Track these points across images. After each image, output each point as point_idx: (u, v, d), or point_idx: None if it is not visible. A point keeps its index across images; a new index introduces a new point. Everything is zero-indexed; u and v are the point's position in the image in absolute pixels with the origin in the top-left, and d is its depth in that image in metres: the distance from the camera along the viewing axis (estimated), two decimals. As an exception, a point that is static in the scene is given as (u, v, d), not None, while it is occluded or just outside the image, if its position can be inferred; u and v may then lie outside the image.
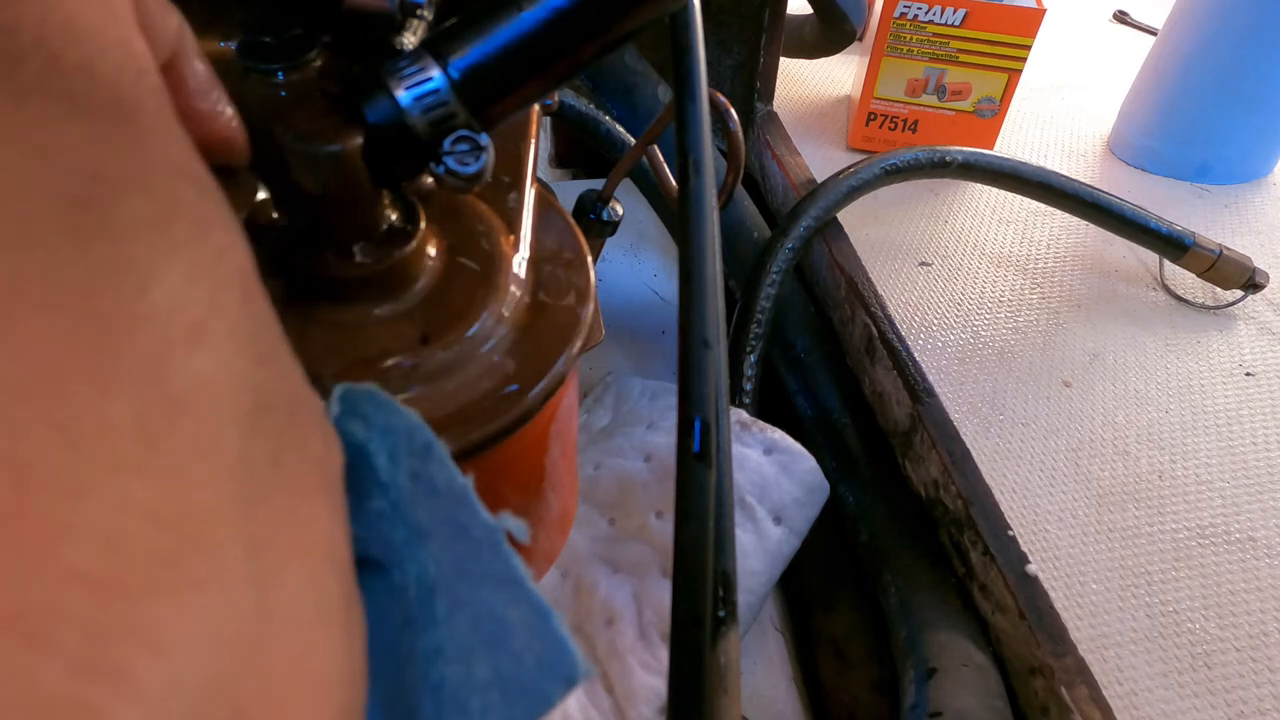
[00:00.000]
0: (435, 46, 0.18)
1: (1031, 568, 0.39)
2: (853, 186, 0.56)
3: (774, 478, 0.44)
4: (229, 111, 0.16)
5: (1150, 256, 0.58)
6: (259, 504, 0.09)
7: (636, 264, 0.67)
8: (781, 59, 0.70)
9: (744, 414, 0.47)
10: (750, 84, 0.71)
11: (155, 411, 0.08)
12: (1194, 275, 0.56)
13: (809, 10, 0.67)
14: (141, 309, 0.08)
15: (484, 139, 0.18)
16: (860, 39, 0.72)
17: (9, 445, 0.07)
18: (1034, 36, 0.61)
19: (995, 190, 0.63)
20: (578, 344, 0.23)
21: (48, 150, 0.09)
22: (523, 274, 0.24)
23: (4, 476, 0.07)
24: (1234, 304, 0.55)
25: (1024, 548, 0.40)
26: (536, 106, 0.32)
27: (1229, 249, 0.54)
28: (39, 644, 0.06)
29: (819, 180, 0.58)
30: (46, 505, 0.07)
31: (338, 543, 0.11)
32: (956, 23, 0.61)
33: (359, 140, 0.18)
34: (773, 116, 0.72)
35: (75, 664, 0.06)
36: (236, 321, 0.10)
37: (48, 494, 0.07)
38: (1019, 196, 0.60)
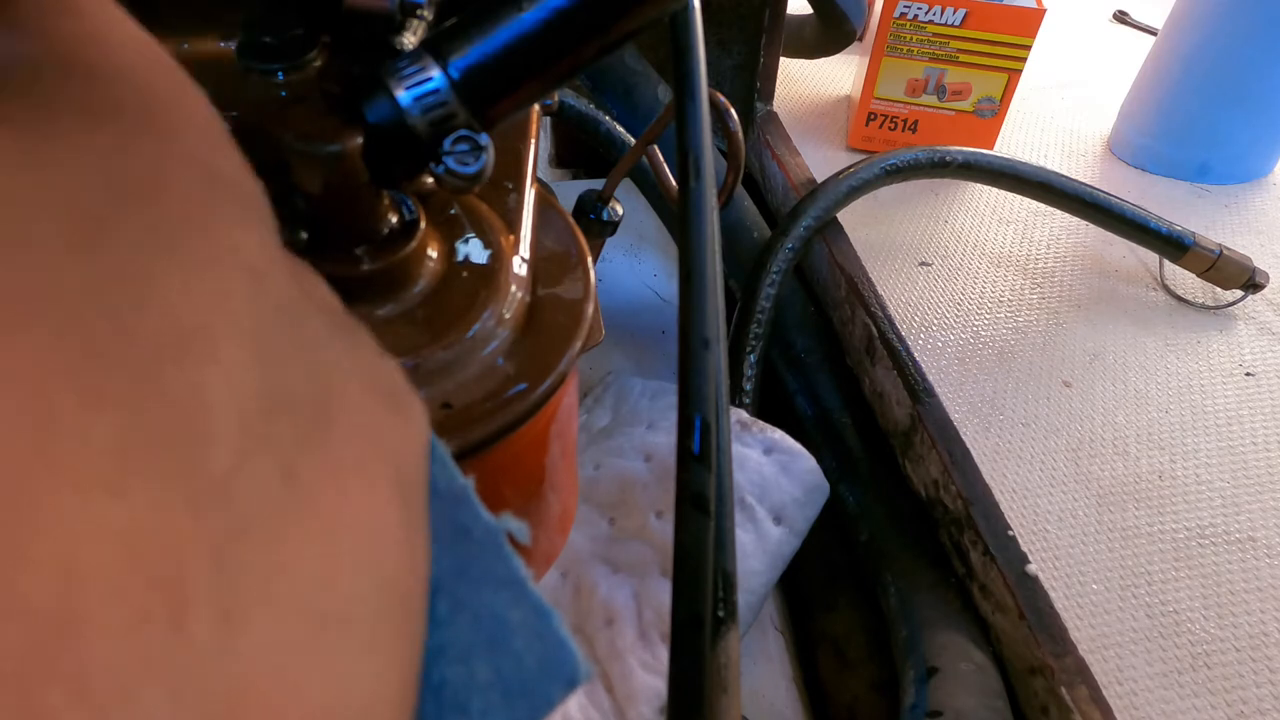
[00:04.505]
0: (435, 46, 0.18)
1: (1031, 568, 0.39)
2: (853, 186, 0.56)
3: (774, 478, 0.44)
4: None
5: (1150, 256, 0.58)
6: (253, 524, 0.08)
7: (636, 264, 0.67)
8: (781, 59, 0.70)
9: (744, 414, 0.47)
10: (750, 84, 0.71)
11: (140, 429, 0.08)
12: (1194, 275, 0.56)
13: (809, 10, 0.67)
14: (135, 321, 0.08)
15: (484, 139, 0.18)
16: (860, 39, 0.72)
17: None
18: (1034, 36, 0.61)
19: (995, 190, 0.63)
20: (578, 344, 0.23)
21: (60, 165, 0.08)
22: (523, 274, 0.24)
23: None
24: (1234, 304, 0.55)
25: (1024, 548, 0.40)
26: (536, 106, 0.32)
27: (1229, 249, 0.54)
28: None
29: (819, 180, 0.58)
30: (7, 527, 0.06)
31: (382, 545, 0.10)
32: (956, 23, 0.61)
33: (359, 140, 0.18)
34: (773, 116, 0.72)
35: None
36: (245, 321, 0.09)
37: (11, 514, 0.06)
38: (1019, 196, 0.60)
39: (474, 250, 0.23)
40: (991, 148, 0.67)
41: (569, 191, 0.57)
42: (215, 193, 0.10)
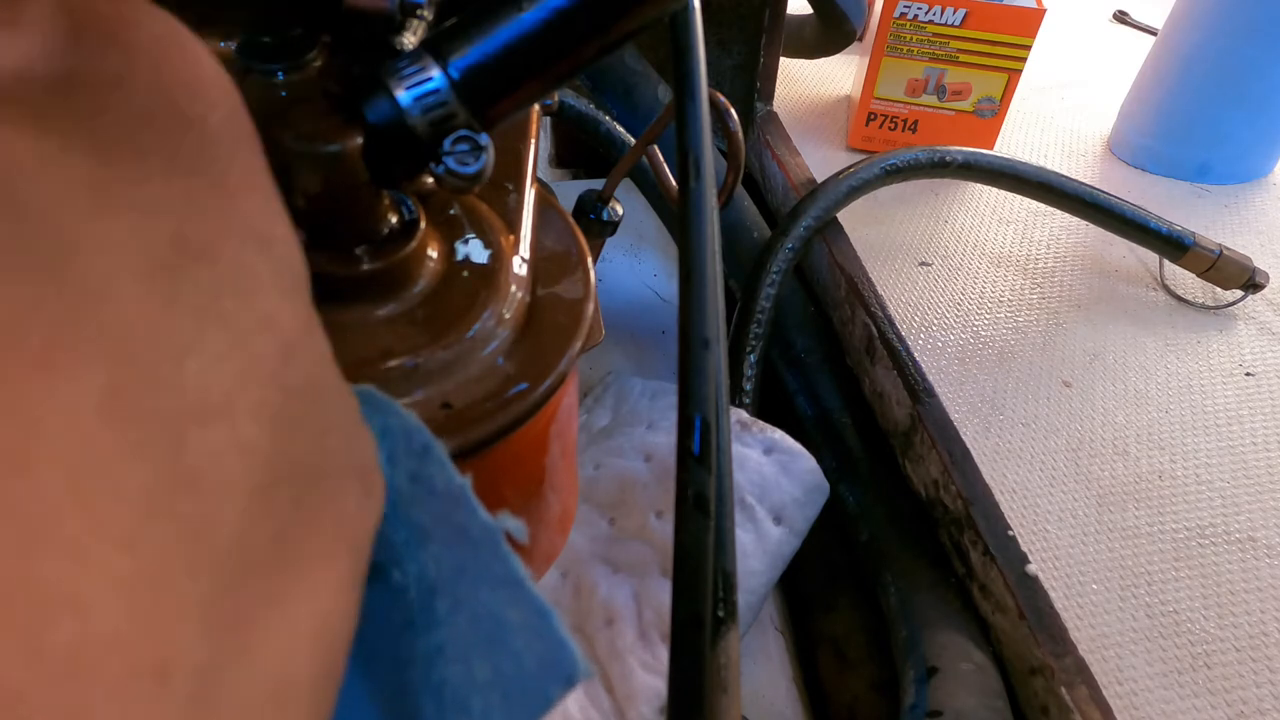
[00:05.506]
0: (435, 46, 0.18)
1: (1031, 568, 0.39)
2: (853, 186, 0.56)
3: (774, 478, 0.44)
4: None
5: (1150, 256, 0.58)
6: (242, 586, 0.09)
7: (636, 264, 0.67)
8: (781, 59, 0.70)
9: (744, 414, 0.47)
10: (750, 84, 0.71)
11: (163, 485, 0.08)
12: (1194, 275, 0.56)
13: (809, 10, 0.67)
14: (175, 379, 0.09)
15: (484, 139, 0.18)
16: (860, 39, 0.72)
17: (25, 502, 0.07)
18: (1034, 36, 0.61)
19: (995, 190, 0.63)
20: (578, 344, 0.23)
21: (144, 212, 0.09)
22: (523, 274, 0.24)
23: (13, 536, 0.07)
24: (1234, 304, 0.55)
25: (1024, 548, 0.40)
26: (536, 106, 0.32)
27: (1229, 249, 0.54)
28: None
29: (819, 180, 0.58)
30: (48, 573, 0.07)
31: (333, 614, 0.11)
32: (956, 23, 0.61)
33: (359, 140, 0.18)
34: (773, 116, 0.72)
35: None
36: (265, 394, 0.10)
37: (51, 561, 0.07)
38: (1019, 196, 0.60)
39: (474, 250, 0.23)
40: (991, 148, 0.67)
41: (569, 191, 0.57)
42: (266, 262, 0.11)
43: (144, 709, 0.08)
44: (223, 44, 0.22)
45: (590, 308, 0.24)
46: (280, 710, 0.10)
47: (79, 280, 0.08)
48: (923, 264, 0.58)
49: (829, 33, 0.67)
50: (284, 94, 0.19)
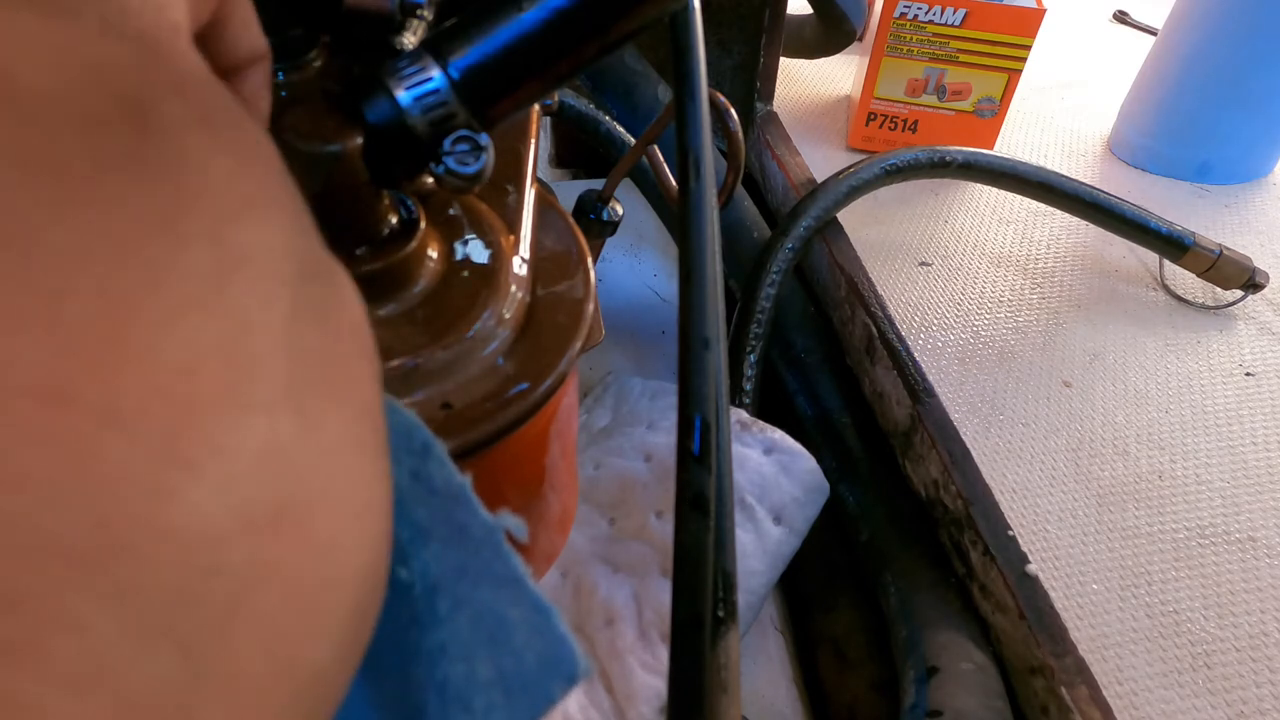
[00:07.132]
0: (435, 46, 0.18)
1: (1031, 568, 0.39)
2: (853, 186, 0.56)
3: (774, 478, 0.44)
4: (262, 106, 0.16)
5: (1150, 256, 0.58)
6: (305, 352, 0.10)
7: (636, 264, 0.67)
8: (781, 59, 0.70)
9: (744, 414, 0.47)
10: (750, 84, 0.71)
11: (221, 263, 0.09)
12: (1194, 275, 0.56)
13: (809, 10, 0.67)
14: (201, 183, 0.10)
15: (484, 139, 0.18)
16: (860, 39, 0.72)
17: (109, 279, 0.08)
18: (1034, 36, 0.61)
19: (995, 190, 0.63)
20: (578, 344, 0.23)
21: (98, 60, 0.10)
22: (523, 274, 0.24)
23: (104, 303, 0.08)
24: (1234, 304, 0.55)
25: (1024, 548, 0.40)
26: (536, 106, 0.32)
27: (1229, 249, 0.54)
28: (128, 434, 0.08)
29: (819, 180, 0.58)
30: (141, 331, 0.08)
31: (374, 400, 0.12)
32: (956, 23, 0.61)
33: (359, 140, 0.18)
34: (773, 116, 0.72)
35: (155, 452, 0.08)
36: (280, 197, 0.11)
37: (142, 321, 0.08)
38: (1019, 196, 0.60)
39: (474, 250, 0.23)
40: (991, 148, 0.67)
41: (569, 191, 0.57)
42: (228, 101, 0.11)
43: (262, 432, 0.09)
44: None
45: (590, 308, 0.24)
46: (361, 458, 0.11)
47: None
48: (923, 264, 0.58)
49: (829, 33, 0.67)
50: (284, 94, 0.19)
